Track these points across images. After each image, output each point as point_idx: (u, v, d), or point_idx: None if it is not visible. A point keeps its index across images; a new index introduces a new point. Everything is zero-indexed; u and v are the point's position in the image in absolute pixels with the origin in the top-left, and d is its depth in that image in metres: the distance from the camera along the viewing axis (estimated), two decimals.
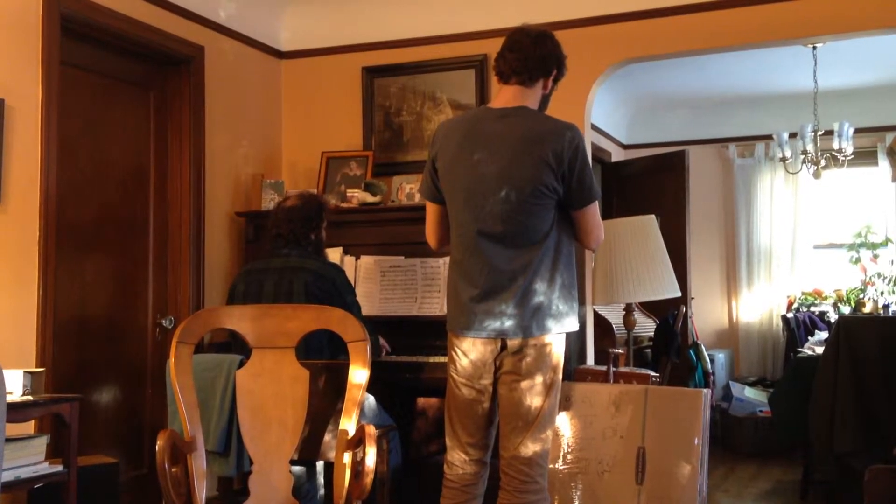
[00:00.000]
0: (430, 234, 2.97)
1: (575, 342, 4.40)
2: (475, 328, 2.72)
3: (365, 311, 4.16)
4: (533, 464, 2.73)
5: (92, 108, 3.96)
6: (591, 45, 4.52)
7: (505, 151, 2.69)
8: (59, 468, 3.04)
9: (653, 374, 4.22)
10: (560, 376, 2.80)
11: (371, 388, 2.98)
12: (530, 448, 2.72)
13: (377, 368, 3.56)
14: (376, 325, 3.91)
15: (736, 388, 6.66)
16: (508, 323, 2.69)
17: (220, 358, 3.26)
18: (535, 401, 2.72)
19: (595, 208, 2.80)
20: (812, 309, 6.78)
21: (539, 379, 2.72)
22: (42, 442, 3.01)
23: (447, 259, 3.16)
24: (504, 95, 2.81)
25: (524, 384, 2.71)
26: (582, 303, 4.58)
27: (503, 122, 2.73)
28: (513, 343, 2.70)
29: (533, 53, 2.75)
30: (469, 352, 2.75)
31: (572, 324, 2.80)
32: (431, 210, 2.93)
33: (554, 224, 2.72)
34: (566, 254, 2.77)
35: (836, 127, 6.00)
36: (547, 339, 2.72)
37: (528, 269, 2.68)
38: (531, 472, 2.73)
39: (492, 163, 2.69)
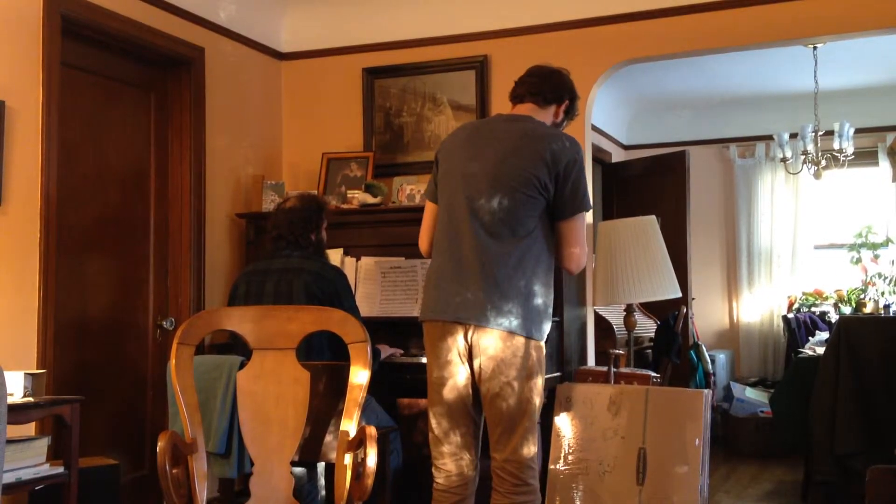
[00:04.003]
0: (424, 236, 3.00)
1: (576, 343, 4.40)
2: (449, 312, 2.73)
3: (365, 313, 4.16)
4: (523, 466, 2.75)
5: (92, 109, 3.96)
6: (592, 46, 4.52)
7: (505, 144, 2.78)
8: (60, 470, 3.04)
9: (653, 374, 4.22)
10: (543, 378, 2.81)
11: (372, 389, 2.97)
12: (519, 451, 2.74)
13: (378, 369, 3.55)
14: (377, 327, 3.90)
15: (737, 389, 6.65)
16: (477, 310, 2.69)
17: (221, 359, 3.26)
18: (519, 404, 2.73)
19: (583, 221, 2.83)
20: (813, 309, 6.78)
21: (523, 383, 2.73)
22: (43, 443, 3.02)
23: None
24: (516, 111, 2.94)
25: (508, 389, 2.72)
26: (582, 303, 4.57)
27: (510, 123, 2.87)
28: (493, 345, 2.69)
29: (549, 80, 2.95)
30: (443, 341, 2.76)
31: (547, 329, 2.82)
32: (429, 210, 2.97)
33: (538, 228, 2.76)
34: (546, 260, 2.79)
35: (836, 127, 6.00)
36: (531, 341, 2.73)
37: (508, 262, 2.70)
38: (521, 475, 2.75)
39: (490, 151, 2.78)
